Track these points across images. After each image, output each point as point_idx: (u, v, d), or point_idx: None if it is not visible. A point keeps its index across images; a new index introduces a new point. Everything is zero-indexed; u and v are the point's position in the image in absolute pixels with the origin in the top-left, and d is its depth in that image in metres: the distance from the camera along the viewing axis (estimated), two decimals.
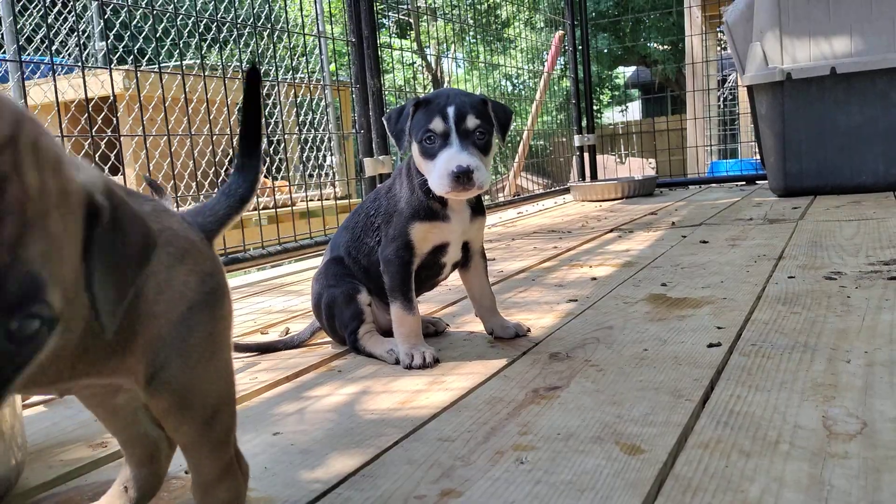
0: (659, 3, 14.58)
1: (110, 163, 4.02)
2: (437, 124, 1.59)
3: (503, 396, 1.37)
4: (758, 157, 8.69)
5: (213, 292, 0.79)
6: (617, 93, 18.83)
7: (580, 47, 6.68)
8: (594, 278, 2.49)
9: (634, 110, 18.57)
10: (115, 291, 0.56)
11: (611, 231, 3.72)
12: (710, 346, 1.58)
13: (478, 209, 1.76)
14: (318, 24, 5.02)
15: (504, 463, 1.08)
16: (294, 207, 3.98)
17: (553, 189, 6.66)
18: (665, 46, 16.03)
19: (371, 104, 3.85)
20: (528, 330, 1.81)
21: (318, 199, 4.82)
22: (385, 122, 1.75)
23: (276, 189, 4.98)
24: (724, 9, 5.76)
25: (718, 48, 10.64)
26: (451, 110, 1.59)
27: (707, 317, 1.83)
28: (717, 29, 10.21)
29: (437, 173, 1.58)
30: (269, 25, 3.94)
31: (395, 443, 1.19)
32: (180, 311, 0.75)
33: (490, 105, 1.66)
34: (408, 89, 6.66)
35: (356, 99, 3.83)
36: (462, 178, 1.54)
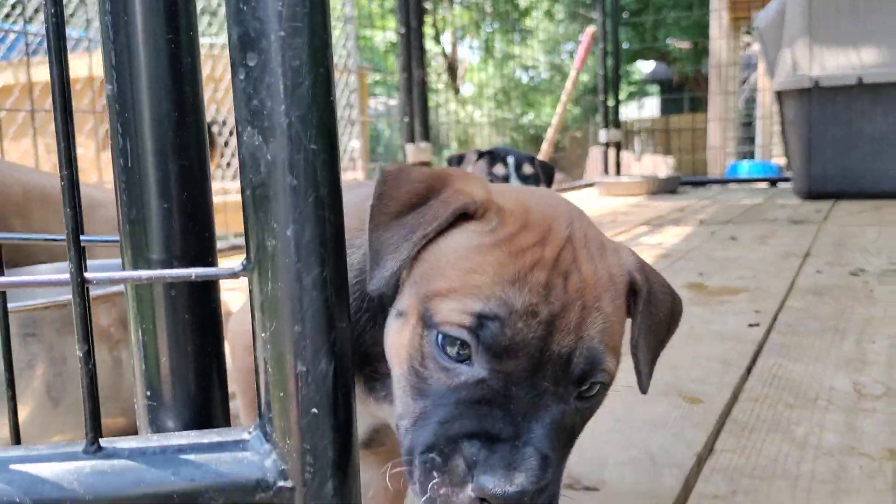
0: (682, 2, 14.67)
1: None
2: (499, 169, 1.95)
3: None
4: (774, 159, 8.88)
5: None
6: (634, 88, 18.92)
7: (611, 42, 6.86)
8: None
9: (651, 107, 18.64)
10: (650, 353, 0.68)
11: (642, 225, 3.92)
12: (751, 325, 1.79)
13: None
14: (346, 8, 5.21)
15: None
16: None
17: (576, 184, 6.86)
18: (685, 44, 16.11)
19: (416, 93, 4.06)
20: None
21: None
22: (447, 164, 2.09)
23: None
24: (755, 13, 5.93)
25: (742, 51, 10.77)
26: (511, 159, 1.97)
27: (744, 303, 2.04)
28: (742, 30, 10.33)
29: None
30: None
31: None
32: None
33: (537, 160, 2.06)
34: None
35: (402, 87, 4.04)
36: None
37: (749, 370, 1.47)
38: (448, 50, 14.19)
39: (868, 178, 4.77)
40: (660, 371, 1.46)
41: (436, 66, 13.37)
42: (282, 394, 0.52)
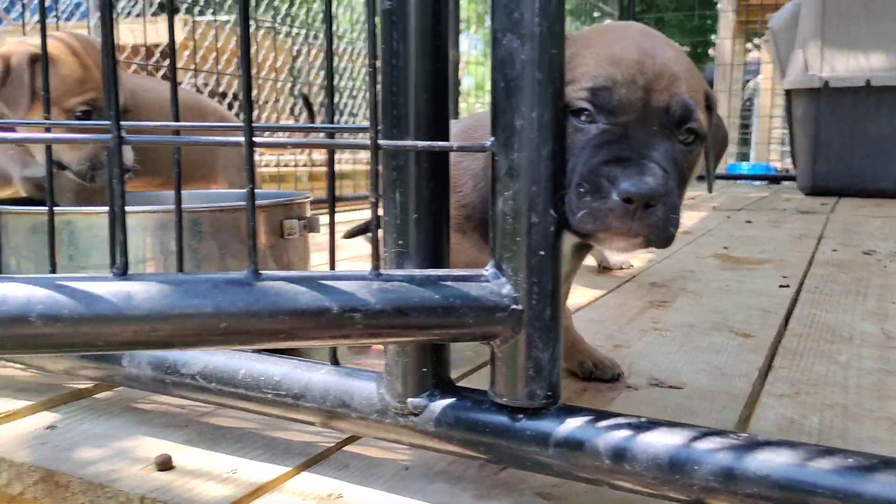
0: (683, 4, 14.83)
1: None
2: None
3: (626, 302, 1.77)
4: (772, 162, 9.09)
5: None
6: None
7: None
8: None
9: None
10: (714, 160, 0.91)
11: None
12: (781, 286, 1.97)
13: None
14: None
15: (650, 336, 1.47)
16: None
17: None
18: (685, 48, 16.29)
19: (449, 74, 4.22)
20: (631, 265, 2.21)
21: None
22: None
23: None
24: (769, 15, 6.12)
25: (745, 53, 10.96)
26: None
27: (771, 270, 2.22)
28: (750, 35, 10.52)
29: None
30: None
31: None
32: None
33: None
34: None
35: None
36: None
37: (787, 317, 1.65)
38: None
39: (870, 177, 4.96)
40: (707, 313, 1.64)
41: None
42: (518, 239, 0.69)
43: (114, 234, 0.67)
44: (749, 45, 12.07)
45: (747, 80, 11.75)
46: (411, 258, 0.73)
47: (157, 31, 5.12)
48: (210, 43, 4.85)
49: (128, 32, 5.09)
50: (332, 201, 0.77)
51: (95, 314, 0.62)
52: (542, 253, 0.69)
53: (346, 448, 0.89)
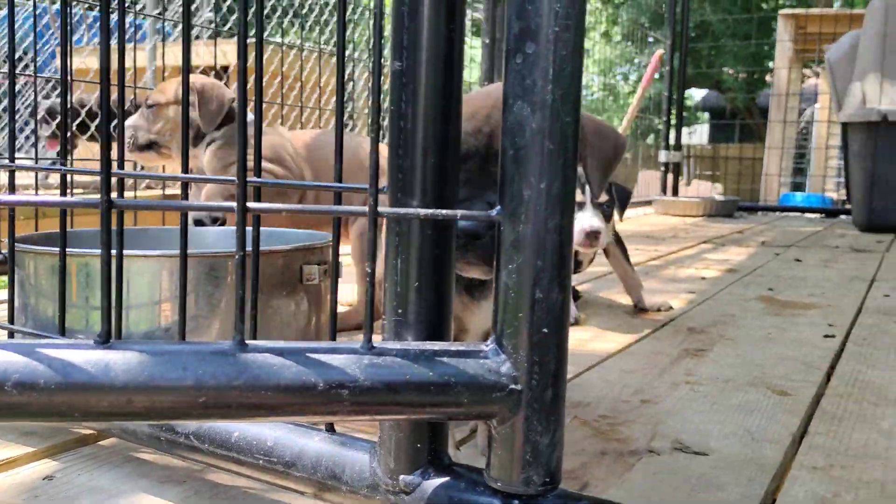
0: (739, 32, 14.57)
1: None
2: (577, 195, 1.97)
3: (661, 350, 1.70)
4: (828, 193, 8.85)
5: None
6: (686, 114, 18.82)
7: (678, 66, 6.92)
8: (703, 278, 2.80)
9: (701, 134, 18.55)
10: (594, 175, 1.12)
11: (704, 242, 4.00)
12: (826, 336, 1.88)
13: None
14: None
15: (682, 390, 1.41)
16: None
17: (635, 201, 6.92)
18: (741, 75, 16.03)
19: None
20: (670, 307, 2.14)
21: None
22: None
23: None
24: (826, 46, 5.98)
25: (801, 83, 10.73)
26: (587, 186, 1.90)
27: (817, 316, 2.13)
28: (805, 65, 10.31)
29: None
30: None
31: (587, 368, 1.53)
32: None
33: (613, 185, 1.97)
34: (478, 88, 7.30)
35: None
36: (591, 236, 1.83)
37: (829, 374, 1.57)
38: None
39: None
40: (745, 365, 1.57)
41: (494, 79, 13.48)
42: (519, 314, 0.65)
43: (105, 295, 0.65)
44: (807, 72, 11.82)
45: (803, 109, 11.51)
46: (411, 328, 0.70)
47: (223, 54, 5.15)
48: (275, 68, 4.79)
49: (206, 53, 5.12)
50: (335, 266, 0.74)
51: (71, 383, 0.59)
52: (545, 330, 0.65)
53: None
